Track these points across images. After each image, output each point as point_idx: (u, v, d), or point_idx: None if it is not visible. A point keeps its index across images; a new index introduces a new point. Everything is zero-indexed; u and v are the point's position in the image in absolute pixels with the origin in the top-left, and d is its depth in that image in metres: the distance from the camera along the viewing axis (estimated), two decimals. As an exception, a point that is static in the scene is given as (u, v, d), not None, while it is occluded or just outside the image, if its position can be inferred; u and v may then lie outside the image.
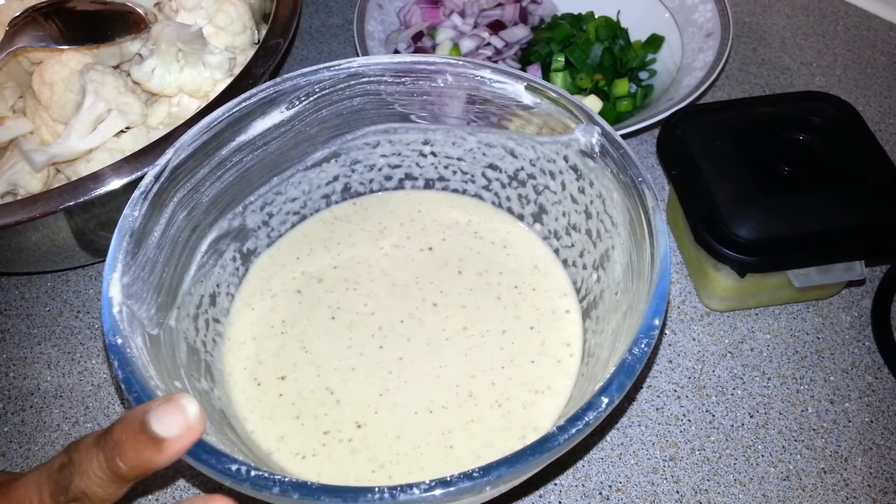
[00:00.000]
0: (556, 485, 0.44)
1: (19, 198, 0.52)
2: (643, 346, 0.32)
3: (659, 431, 0.45)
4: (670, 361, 0.48)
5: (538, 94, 0.43)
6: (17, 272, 0.55)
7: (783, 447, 0.44)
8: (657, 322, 0.33)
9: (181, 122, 0.54)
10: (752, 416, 0.46)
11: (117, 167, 0.43)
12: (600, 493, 0.43)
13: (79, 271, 0.55)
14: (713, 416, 0.46)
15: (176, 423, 0.27)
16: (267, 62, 0.49)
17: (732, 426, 0.45)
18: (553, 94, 0.42)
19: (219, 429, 0.36)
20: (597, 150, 0.41)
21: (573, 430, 0.30)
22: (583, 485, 0.43)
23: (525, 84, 0.43)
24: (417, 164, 0.50)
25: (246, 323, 0.45)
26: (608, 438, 0.45)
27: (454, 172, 0.50)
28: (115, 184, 0.43)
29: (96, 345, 0.51)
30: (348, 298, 0.46)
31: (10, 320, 0.53)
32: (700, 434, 0.45)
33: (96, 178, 0.43)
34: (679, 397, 0.47)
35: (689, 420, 0.46)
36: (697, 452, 0.44)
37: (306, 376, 0.42)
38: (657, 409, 0.46)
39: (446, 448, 0.39)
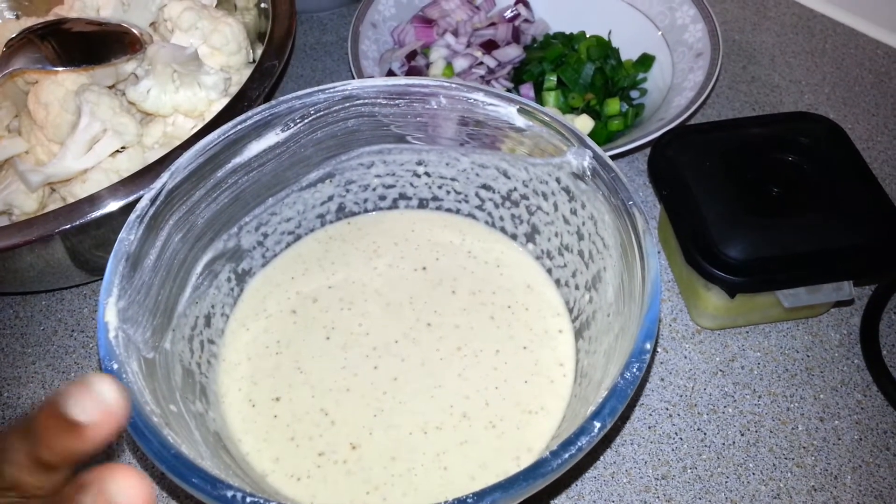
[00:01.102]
0: (548, 503, 0.44)
1: (14, 218, 0.52)
2: (634, 370, 0.32)
3: (651, 450, 0.46)
4: (662, 380, 0.49)
5: (530, 117, 0.43)
6: (10, 292, 0.55)
7: (774, 465, 0.45)
8: (648, 346, 0.33)
9: (176, 141, 0.54)
10: (743, 434, 0.46)
11: (113, 190, 0.44)
12: (593, 513, 0.44)
13: (73, 290, 0.55)
14: (705, 434, 0.46)
15: (92, 407, 0.24)
16: (262, 84, 0.50)
17: (724, 444, 0.46)
18: (545, 117, 0.43)
19: (214, 452, 0.36)
20: (588, 172, 0.41)
21: (566, 455, 0.30)
22: (576, 504, 0.44)
23: (518, 107, 0.43)
24: (411, 184, 0.50)
25: (241, 343, 0.45)
26: (600, 457, 0.46)
27: (448, 192, 0.50)
28: (111, 207, 0.43)
29: (91, 364, 0.51)
30: (343, 318, 0.46)
31: (4, 339, 0.53)
32: (692, 452, 0.46)
33: (92, 201, 0.43)
34: (671, 415, 0.47)
35: (681, 438, 0.46)
36: (689, 471, 0.45)
37: (301, 397, 0.42)
38: (649, 428, 0.47)
39: (441, 469, 0.40)
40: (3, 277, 0.48)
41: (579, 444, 0.30)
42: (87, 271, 0.50)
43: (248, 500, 0.29)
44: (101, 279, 0.54)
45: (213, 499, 0.29)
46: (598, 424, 0.31)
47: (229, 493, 0.29)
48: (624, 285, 0.38)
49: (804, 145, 0.50)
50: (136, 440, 0.31)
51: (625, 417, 0.47)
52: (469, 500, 0.29)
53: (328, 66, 0.72)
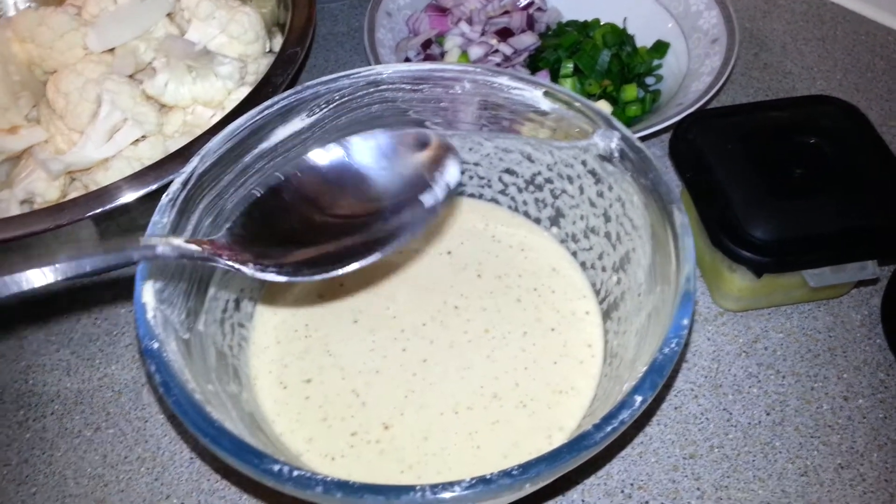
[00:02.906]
0: (577, 482, 0.44)
1: (36, 206, 0.52)
2: (673, 345, 0.32)
3: (678, 430, 0.46)
4: (686, 361, 0.49)
5: (556, 101, 0.43)
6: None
7: (800, 443, 0.45)
8: (686, 322, 0.33)
9: (197, 130, 0.54)
10: (768, 414, 0.47)
11: (142, 174, 0.44)
12: (622, 492, 0.44)
13: (94, 277, 0.55)
14: (730, 414, 0.47)
15: None
16: (286, 70, 0.50)
17: (749, 424, 0.46)
18: (572, 100, 0.43)
19: (251, 431, 0.36)
20: (616, 154, 0.41)
21: (609, 429, 0.30)
22: (605, 483, 0.44)
23: (544, 90, 0.44)
24: (434, 170, 0.50)
25: (269, 327, 0.45)
26: (629, 438, 0.46)
27: (470, 177, 0.51)
28: (142, 191, 0.43)
29: (115, 350, 0.51)
30: (370, 302, 0.46)
31: (28, 328, 0.53)
32: (718, 432, 0.46)
33: (122, 186, 0.43)
34: (696, 396, 0.48)
35: (707, 418, 0.47)
36: (716, 450, 0.45)
37: (332, 379, 0.43)
38: (675, 408, 0.47)
39: (473, 448, 0.40)
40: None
41: (621, 417, 0.31)
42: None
43: (296, 473, 0.29)
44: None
45: (260, 472, 0.29)
46: (639, 398, 0.31)
47: (276, 468, 0.29)
48: (655, 265, 0.39)
49: (824, 127, 0.50)
50: (181, 417, 0.31)
51: (657, 398, 0.47)
52: (514, 472, 0.29)
53: (341, 57, 0.73)
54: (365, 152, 0.38)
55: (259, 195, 0.37)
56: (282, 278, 0.35)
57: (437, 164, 0.38)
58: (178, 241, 0.35)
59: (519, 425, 0.41)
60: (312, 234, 0.37)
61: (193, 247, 0.35)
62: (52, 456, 0.47)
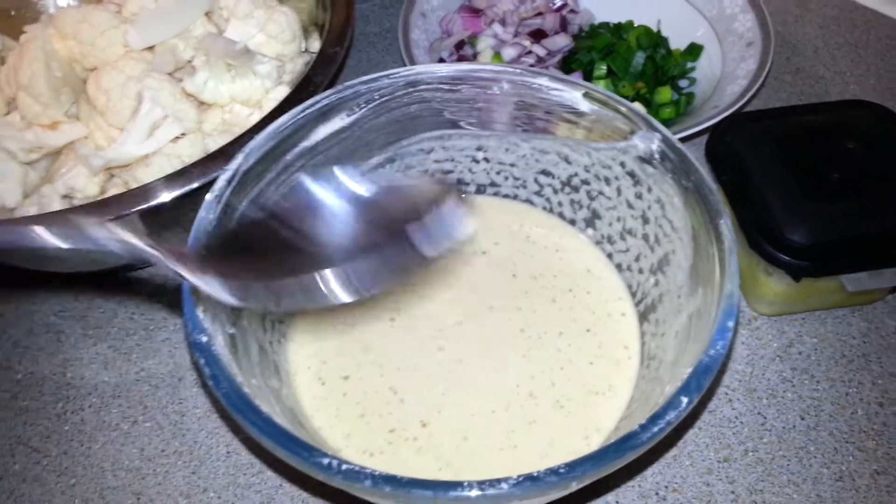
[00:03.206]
0: (612, 485, 0.44)
1: (76, 202, 0.53)
2: (719, 347, 0.33)
3: (712, 433, 0.46)
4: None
5: (595, 102, 0.43)
6: (70, 272, 0.56)
7: (835, 449, 0.45)
8: (731, 324, 0.33)
9: (236, 128, 0.55)
10: (803, 419, 0.46)
11: (186, 172, 0.44)
12: (657, 494, 0.44)
13: (130, 273, 0.56)
14: (765, 418, 0.47)
15: None
16: (326, 70, 0.50)
17: (784, 428, 0.46)
18: (612, 102, 0.43)
19: (293, 426, 0.37)
20: (657, 156, 0.42)
21: (655, 429, 0.31)
22: (639, 485, 0.44)
23: (583, 91, 0.44)
24: (470, 170, 0.51)
25: (307, 324, 0.45)
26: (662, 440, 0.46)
27: (506, 178, 0.51)
28: (184, 189, 0.44)
29: (152, 345, 0.52)
30: (406, 300, 0.46)
31: (65, 321, 0.54)
32: (753, 436, 0.46)
33: (165, 183, 0.44)
34: (730, 400, 0.47)
35: (742, 422, 0.47)
36: (751, 454, 0.45)
37: (369, 376, 0.43)
38: (709, 412, 0.47)
39: (511, 447, 0.40)
40: (69, 257, 0.49)
41: (667, 418, 0.31)
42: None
43: (344, 467, 0.29)
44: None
45: (309, 465, 0.30)
46: (685, 399, 0.31)
47: (325, 461, 0.30)
48: (697, 267, 0.39)
49: (861, 131, 0.50)
50: (231, 409, 0.31)
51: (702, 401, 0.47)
52: (561, 471, 0.29)
53: (373, 58, 0.73)
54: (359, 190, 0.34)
55: (247, 216, 0.36)
56: (228, 298, 0.31)
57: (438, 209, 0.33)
58: (131, 238, 0.30)
59: (555, 425, 0.41)
60: (284, 261, 0.33)
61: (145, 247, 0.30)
62: (91, 448, 0.47)
